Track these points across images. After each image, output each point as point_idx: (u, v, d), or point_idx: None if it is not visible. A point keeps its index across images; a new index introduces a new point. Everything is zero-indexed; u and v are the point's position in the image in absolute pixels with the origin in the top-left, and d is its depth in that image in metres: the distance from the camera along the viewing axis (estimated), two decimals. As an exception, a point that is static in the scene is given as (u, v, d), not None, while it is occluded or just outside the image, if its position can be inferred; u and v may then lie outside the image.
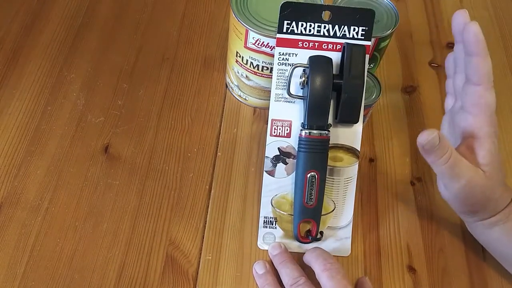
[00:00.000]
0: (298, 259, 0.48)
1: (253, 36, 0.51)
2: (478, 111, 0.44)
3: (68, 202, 0.50)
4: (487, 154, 0.44)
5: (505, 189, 0.45)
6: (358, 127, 0.50)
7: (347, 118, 0.48)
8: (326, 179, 0.48)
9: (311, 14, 0.49)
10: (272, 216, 0.50)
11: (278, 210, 0.50)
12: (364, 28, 0.49)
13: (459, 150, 0.45)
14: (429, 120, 0.60)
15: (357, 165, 0.50)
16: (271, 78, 0.50)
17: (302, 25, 0.49)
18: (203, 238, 0.50)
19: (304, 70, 0.49)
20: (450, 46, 0.69)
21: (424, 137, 0.42)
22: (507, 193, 0.45)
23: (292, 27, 0.49)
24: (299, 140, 0.48)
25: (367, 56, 0.48)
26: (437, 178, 0.46)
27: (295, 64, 0.49)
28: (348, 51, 0.47)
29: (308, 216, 0.48)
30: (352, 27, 0.49)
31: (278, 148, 0.50)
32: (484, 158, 0.44)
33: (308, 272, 0.46)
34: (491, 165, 0.44)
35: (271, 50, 0.51)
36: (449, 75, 0.50)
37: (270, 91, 0.51)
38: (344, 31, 0.49)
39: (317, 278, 0.44)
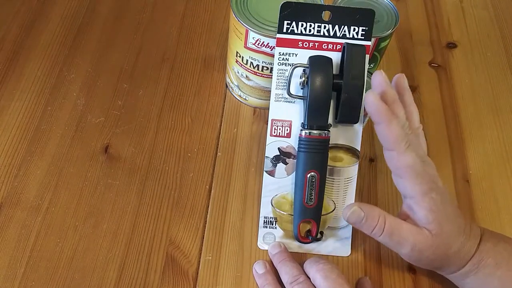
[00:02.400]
0: (298, 259, 0.48)
1: (253, 36, 0.51)
2: (402, 173, 0.43)
3: (68, 202, 0.50)
4: (428, 213, 0.42)
5: (466, 238, 0.43)
6: (358, 127, 0.50)
7: (347, 118, 0.48)
8: (326, 179, 0.48)
9: (311, 14, 0.49)
10: (272, 216, 0.50)
11: (278, 210, 0.50)
12: (364, 28, 0.49)
13: (400, 214, 0.45)
14: (429, 120, 0.60)
15: (357, 165, 0.50)
16: (271, 78, 0.50)
17: (302, 25, 0.49)
18: (203, 238, 0.50)
19: (304, 70, 0.49)
20: (450, 46, 0.69)
21: (346, 212, 0.44)
22: (470, 241, 0.43)
23: (292, 27, 0.49)
24: (299, 140, 0.48)
25: (367, 56, 0.48)
26: None
27: (295, 64, 0.49)
28: (348, 51, 0.47)
29: (308, 216, 0.48)
30: (352, 27, 0.49)
31: (278, 148, 0.50)
32: (426, 217, 0.43)
33: (308, 272, 0.46)
34: (435, 223, 0.42)
35: (271, 50, 0.51)
36: None
37: (270, 91, 0.51)
38: (344, 31, 0.49)
39: (312, 282, 0.44)
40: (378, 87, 0.44)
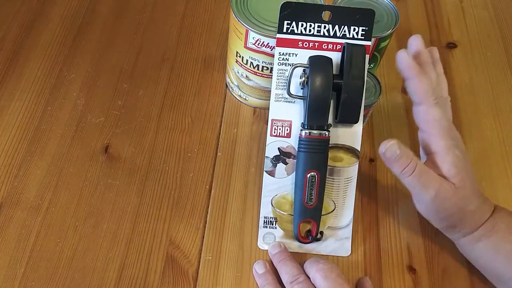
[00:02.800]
0: (298, 259, 0.48)
1: (253, 36, 0.51)
2: (429, 127, 0.45)
3: (68, 202, 0.50)
4: (451, 167, 0.44)
5: (482, 202, 0.45)
6: (358, 127, 0.50)
7: (347, 118, 0.48)
8: (326, 179, 0.48)
9: (311, 14, 0.49)
10: (272, 216, 0.50)
11: (278, 210, 0.50)
12: (364, 28, 0.49)
13: (425, 165, 0.45)
14: (429, 120, 0.60)
15: (357, 165, 0.50)
16: (271, 78, 0.50)
17: (302, 25, 0.49)
18: (203, 238, 0.50)
19: (304, 70, 0.49)
20: (450, 46, 0.69)
21: (383, 146, 0.44)
22: (486, 206, 0.45)
23: (292, 27, 0.49)
24: (299, 140, 0.48)
25: (367, 56, 0.48)
26: (411, 194, 0.46)
27: (295, 64, 0.49)
28: (348, 51, 0.47)
29: (308, 216, 0.48)
30: (352, 27, 0.49)
31: (278, 148, 0.50)
32: (450, 171, 0.44)
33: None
34: (459, 177, 0.44)
35: (271, 50, 0.51)
36: None
37: (270, 91, 0.51)
38: (344, 31, 0.49)
39: (312, 282, 0.44)
40: (414, 47, 0.46)
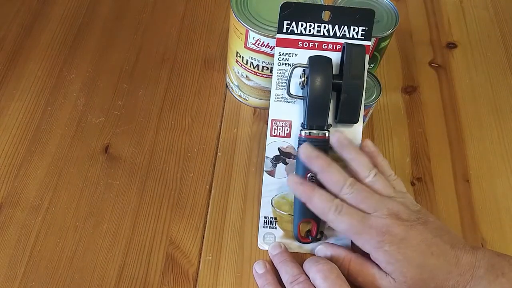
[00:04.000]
0: (298, 259, 0.48)
1: (253, 36, 0.51)
2: (346, 236, 0.46)
3: (68, 202, 0.50)
4: (386, 265, 0.42)
5: (445, 279, 0.41)
6: (358, 127, 0.50)
7: (347, 118, 0.48)
8: (326, 179, 0.48)
9: (311, 14, 0.49)
10: (272, 216, 0.50)
11: (278, 210, 0.50)
12: (364, 28, 0.49)
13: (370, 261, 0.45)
14: (429, 120, 0.60)
15: (357, 165, 0.50)
16: (271, 78, 0.50)
17: (302, 25, 0.49)
18: (203, 238, 0.50)
19: (304, 70, 0.49)
20: (450, 46, 0.69)
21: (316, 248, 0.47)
22: (455, 275, 0.41)
23: (292, 27, 0.49)
24: (299, 140, 0.48)
25: (367, 56, 0.49)
26: None
27: (295, 64, 0.49)
28: (348, 51, 0.47)
29: (308, 216, 0.48)
30: (352, 27, 0.49)
31: (278, 148, 0.50)
32: (386, 269, 0.43)
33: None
34: (397, 272, 0.42)
35: (271, 50, 0.51)
36: None
37: (270, 91, 0.51)
38: (344, 31, 0.49)
39: (312, 282, 0.44)
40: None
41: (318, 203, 0.44)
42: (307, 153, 0.46)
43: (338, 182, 0.44)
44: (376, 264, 0.44)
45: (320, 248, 0.47)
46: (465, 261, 0.42)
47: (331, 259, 0.46)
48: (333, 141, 0.47)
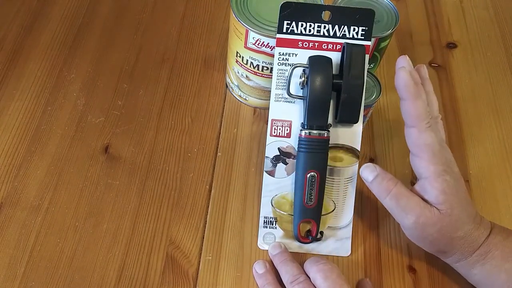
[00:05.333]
0: (298, 259, 0.48)
1: (253, 36, 0.51)
2: (420, 152, 0.44)
3: (68, 202, 0.50)
4: (439, 194, 0.43)
5: (474, 227, 0.44)
6: (358, 127, 0.50)
7: (347, 118, 0.48)
8: (326, 179, 0.48)
9: (311, 14, 0.49)
10: (272, 216, 0.50)
11: (278, 210, 0.50)
12: (364, 28, 0.49)
13: (413, 189, 0.45)
14: (429, 120, 0.60)
15: (357, 165, 0.50)
16: (271, 78, 0.50)
17: (302, 25, 0.49)
18: (203, 238, 0.50)
19: (304, 70, 0.49)
20: (450, 46, 0.69)
21: (361, 169, 0.46)
22: (478, 231, 0.44)
23: (292, 27, 0.49)
24: (299, 140, 0.48)
25: (367, 56, 0.49)
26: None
27: (295, 64, 0.49)
28: (348, 51, 0.47)
29: (308, 216, 0.48)
30: (352, 27, 0.49)
31: (278, 148, 0.50)
32: (437, 198, 0.43)
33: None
34: (447, 204, 0.43)
35: (271, 50, 0.51)
36: None
37: (270, 91, 0.51)
38: (344, 31, 0.49)
39: (312, 282, 0.44)
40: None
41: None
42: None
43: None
44: (418, 197, 0.44)
45: (368, 166, 0.45)
46: (485, 221, 0.45)
47: (377, 176, 0.45)
48: (401, 84, 0.44)
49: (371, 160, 0.56)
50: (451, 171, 0.44)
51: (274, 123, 0.50)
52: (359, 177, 0.50)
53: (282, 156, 0.50)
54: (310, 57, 0.48)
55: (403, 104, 0.44)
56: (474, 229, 0.44)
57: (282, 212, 0.50)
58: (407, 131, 0.45)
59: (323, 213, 0.48)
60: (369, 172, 0.45)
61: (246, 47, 0.52)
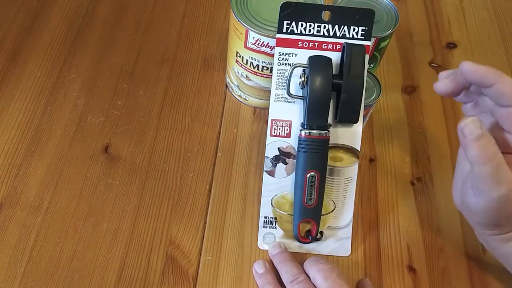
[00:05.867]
0: (298, 259, 0.48)
1: (253, 36, 0.51)
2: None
3: (68, 202, 0.50)
4: None
5: None
6: (358, 127, 0.50)
7: (347, 118, 0.48)
8: (326, 179, 0.48)
9: (311, 14, 0.49)
10: (272, 216, 0.50)
11: (278, 210, 0.50)
12: (364, 28, 0.49)
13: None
14: (429, 120, 0.60)
15: (357, 165, 0.50)
16: (271, 78, 0.50)
17: (302, 25, 0.49)
18: (203, 238, 0.50)
19: (303, 70, 0.49)
20: (450, 46, 0.69)
21: (463, 121, 0.39)
22: None
23: (292, 27, 0.49)
24: (299, 140, 0.48)
25: (367, 56, 0.48)
26: (459, 185, 0.43)
27: (295, 64, 0.49)
28: (348, 51, 0.47)
29: (308, 216, 0.48)
30: (352, 27, 0.49)
31: (278, 148, 0.50)
32: None
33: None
34: None
35: (271, 50, 0.51)
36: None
37: (270, 91, 0.51)
38: (344, 31, 0.49)
39: (312, 282, 0.44)
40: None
41: None
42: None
43: None
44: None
45: (474, 120, 0.39)
46: None
47: (483, 136, 0.39)
48: (468, 69, 0.40)
49: (371, 161, 0.56)
50: None
51: (274, 123, 0.50)
52: (359, 177, 0.50)
53: (282, 156, 0.50)
54: (310, 57, 0.48)
55: (491, 90, 0.40)
56: None
57: (282, 212, 0.50)
58: (503, 110, 0.40)
59: (323, 213, 0.48)
60: (475, 128, 0.38)
61: (246, 47, 0.52)
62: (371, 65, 0.58)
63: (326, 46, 0.49)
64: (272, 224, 0.50)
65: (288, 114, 0.50)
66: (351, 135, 0.50)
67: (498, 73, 0.40)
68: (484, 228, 0.44)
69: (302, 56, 0.49)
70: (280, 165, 0.50)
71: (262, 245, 0.50)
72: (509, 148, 0.41)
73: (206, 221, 0.51)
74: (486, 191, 0.40)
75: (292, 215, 0.49)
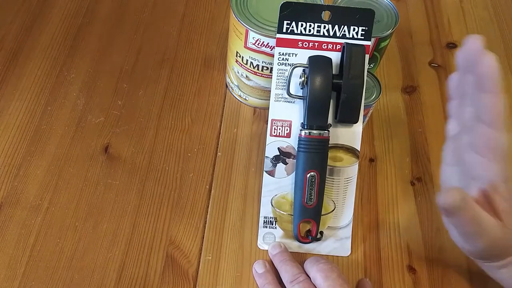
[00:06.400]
0: (298, 259, 0.48)
1: (253, 36, 0.51)
2: (491, 155, 0.37)
3: (68, 202, 0.50)
4: (504, 202, 0.39)
5: None
6: (358, 127, 0.50)
7: (347, 118, 0.48)
8: (326, 179, 0.48)
9: (311, 14, 0.49)
10: (272, 216, 0.50)
11: (278, 210, 0.50)
12: (364, 28, 0.49)
13: (477, 200, 0.39)
14: (429, 120, 0.60)
15: (357, 165, 0.50)
16: (271, 78, 0.50)
17: (302, 25, 0.49)
18: (203, 238, 0.50)
19: (303, 70, 0.49)
20: (450, 46, 0.69)
21: (448, 199, 0.37)
22: None
23: (292, 27, 0.49)
24: (299, 140, 0.48)
25: (367, 56, 0.49)
26: (450, 226, 0.42)
27: (295, 64, 0.49)
28: (347, 51, 0.47)
29: (308, 216, 0.48)
30: (352, 27, 0.49)
31: (278, 148, 0.50)
32: (500, 205, 0.39)
33: (308, 272, 0.46)
34: (508, 214, 0.39)
35: (271, 50, 0.51)
36: (452, 98, 0.43)
37: (270, 91, 0.51)
38: (344, 31, 0.49)
39: (313, 281, 0.44)
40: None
41: None
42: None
43: None
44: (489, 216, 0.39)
45: (451, 191, 0.37)
46: None
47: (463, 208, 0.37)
48: (488, 71, 0.37)
49: (371, 161, 0.56)
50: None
51: (274, 123, 0.50)
52: (359, 177, 0.50)
53: (282, 156, 0.50)
54: (310, 57, 0.48)
55: (485, 98, 0.37)
56: None
57: (282, 212, 0.50)
58: (480, 128, 0.38)
59: (323, 213, 0.48)
60: (453, 200, 0.37)
61: (246, 47, 0.52)
62: (371, 65, 0.58)
63: (326, 46, 0.49)
64: (272, 224, 0.50)
65: (288, 114, 0.50)
66: (351, 135, 0.50)
67: (500, 86, 0.38)
68: (477, 261, 0.45)
69: (302, 56, 0.49)
70: (280, 165, 0.50)
71: (262, 245, 0.50)
72: (484, 176, 0.39)
73: (206, 221, 0.51)
74: (470, 242, 0.41)
75: (292, 215, 0.49)
